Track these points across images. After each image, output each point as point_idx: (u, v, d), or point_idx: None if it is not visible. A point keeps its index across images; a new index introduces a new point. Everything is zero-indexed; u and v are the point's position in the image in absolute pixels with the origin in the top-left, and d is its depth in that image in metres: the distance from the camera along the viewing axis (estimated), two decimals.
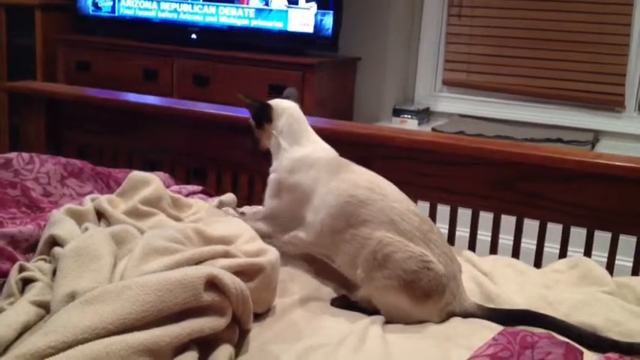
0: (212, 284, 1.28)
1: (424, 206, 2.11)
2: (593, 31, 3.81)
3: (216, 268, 1.32)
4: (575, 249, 2.00)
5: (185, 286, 1.24)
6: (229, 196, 2.03)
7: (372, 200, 1.58)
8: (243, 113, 2.28)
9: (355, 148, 2.09)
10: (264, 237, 1.70)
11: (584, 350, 1.39)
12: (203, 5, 3.96)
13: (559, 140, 3.59)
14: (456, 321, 1.53)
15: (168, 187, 2.08)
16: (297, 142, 1.76)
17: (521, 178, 2.00)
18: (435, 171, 2.07)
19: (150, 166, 2.37)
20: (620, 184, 1.90)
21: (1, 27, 4.36)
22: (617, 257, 1.99)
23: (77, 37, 4.28)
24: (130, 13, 4.15)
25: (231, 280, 1.31)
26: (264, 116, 1.79)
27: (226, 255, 1.46)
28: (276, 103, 1.82)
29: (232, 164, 2.33)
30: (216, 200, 1.99)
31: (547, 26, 3.90)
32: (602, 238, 1.99)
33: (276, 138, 1.78)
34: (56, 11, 4.31)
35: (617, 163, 1.89)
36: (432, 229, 1.58)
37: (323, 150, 1.77)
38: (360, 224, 1.56)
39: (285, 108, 1.80)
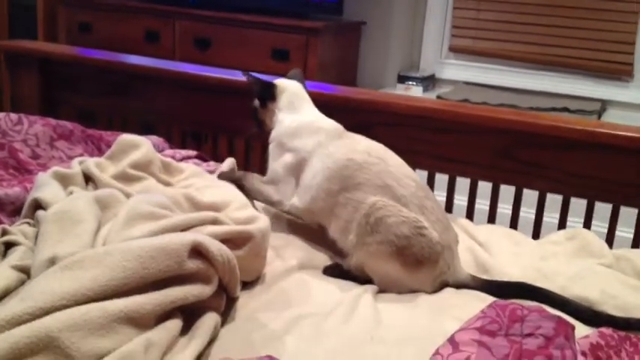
0: (197, 251, 1.25)
1: (422, 174, 2.07)
2: None
3: (201, 235, 1.29)
4: (576, 219, 1.96)
5: (168, 253, 1.20)
6: (229, 162, 1.98)
7: (368, 164, 1.56)
8: (239, 76, 2.25)
9: (354, 113, 2.07)
10: (273, 204, 1.73)
11: (579, 324, 1.38)
12: None
13: (565, 109, 3.54)
14: (448, 292, 1.51)
15: (162, 150, 2.05)
16: (298, 113, 1.76)
17: (521, 146, 1.95)
18: (434, 138, 2.03)
19: (146, 130, 2.33)
20: (622, 155, 1.86)
21: None
22: (618, 229, 1.95)
23: None
24: None
25: (217, 248, 1.28)
26: (267, 94, 1.80)
27: (215, 222, 1.43)
28: (279, 81, 1.83)
29: (228, 128, 2.29)
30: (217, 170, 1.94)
31: None
32: (603, 208, 1.95)
33: (277, 114, 1.78)
34: None
35: (620, 133, 1.84)
36: (429, 196, 1.55)
37: (326, 120, 1.76)
38: (354, 188, 1.54)
39: (288, 86, 1.81)
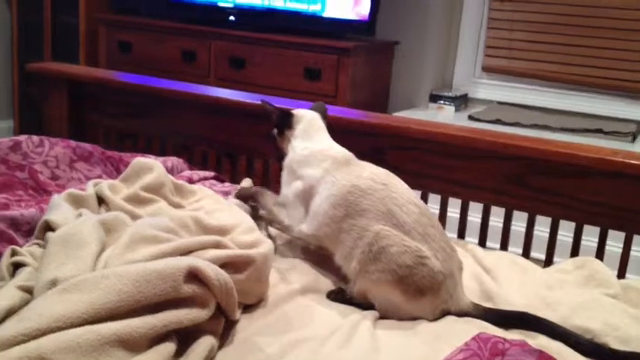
0: (193, 276, 1.28)
1: (435, 198, 2.07)
2: (638, 18, 3.66)
3: (198, 260, 1.31)
4: (591, 239, 1.94)
5: (164, 277, 1.24)
6: (247, 182, 2.03)
7: (372, 190, 1.57)
8: (258, 99, 2.28)
9: (368, 138, 2.08)
10: (283, 228, 1.77)
11: (580, 357, 1.36)
12: None
13: (599, 131, 3.49)
14: (449, 320, 1.51)
15: (180, 172, 2.09)
16: (310, 141, 1.78)
17: (534, 173, 1.94)
18: (447, 163, 2.02)
19: (171, 151, 2.38)
20: (636, 183, 1.83)
21: (47, 5, 4.44)
22: (633, 248, 1.92)
23: (118, 17, 4.32)
24: None
25: (214, 272, 1.30)
26: (285, 123, 1.82)
27: (217, 245, 1.45)
28: (297, 111, 1.85)
29: (248, 149, 2.32)
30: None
31: (591, 12, 3.78)
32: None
33: (291, 142, 1.80)
34: None
35: (634, 162, 1.81)
36: (432, 222, 1.55)
37: (336, 148, 1.77)
38: (358, 214, 1.55)
39: (305, 115, 1.83)
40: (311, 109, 1.89)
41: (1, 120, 4.69)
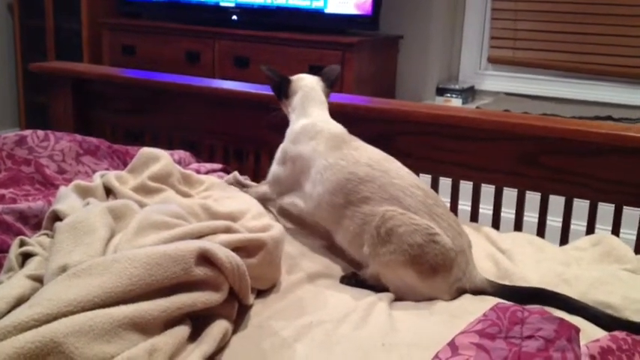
0: (204, 258, 1.27)
1: (446, 183, 2.05)
2: None
3: (209, 243, 1.30)
4: (604, 227, 1.91)
5: (175, 259, 1.22)
6: (233, 175, 2.03)
7: (372, 177, 1.54)
8: (260, 90, 2.27)
9: (375, 124, 2.06)
10: (266, 200, 1.80)
11: (598, 330, 1.34)
12: None
13: (609, 118, 3.47)
14: (465, 298, 1.49)
15: (188, 164, 2.08)
16: (305, 115, 1.76)
17: (546, 152, 1.91)
18: (456, 146, 2.00)
19: (178, 147, 2.37)
20: None
21: (49, 11, 4.43)
22: None
23: (121, 20, 4.32)
24: None
25: (226, 255, 1.29)
26: (281, 91, 1.81)
27: (228, 230, 1.44)
28: (296, 78, 1.82)
29: (254, 141, 2.31)
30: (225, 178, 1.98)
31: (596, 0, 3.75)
32: (632, 215, 1.89)
33: (290, 113, 1.80)
34: None
35: None
36: (438, 202, 1.53)
37: (328, 124, 1.74)
38: (360, 201, 1.53)
39: (302, 86, 1.80)
40: (323, 72, 1.86)
41: (7, 129, 4.68)
